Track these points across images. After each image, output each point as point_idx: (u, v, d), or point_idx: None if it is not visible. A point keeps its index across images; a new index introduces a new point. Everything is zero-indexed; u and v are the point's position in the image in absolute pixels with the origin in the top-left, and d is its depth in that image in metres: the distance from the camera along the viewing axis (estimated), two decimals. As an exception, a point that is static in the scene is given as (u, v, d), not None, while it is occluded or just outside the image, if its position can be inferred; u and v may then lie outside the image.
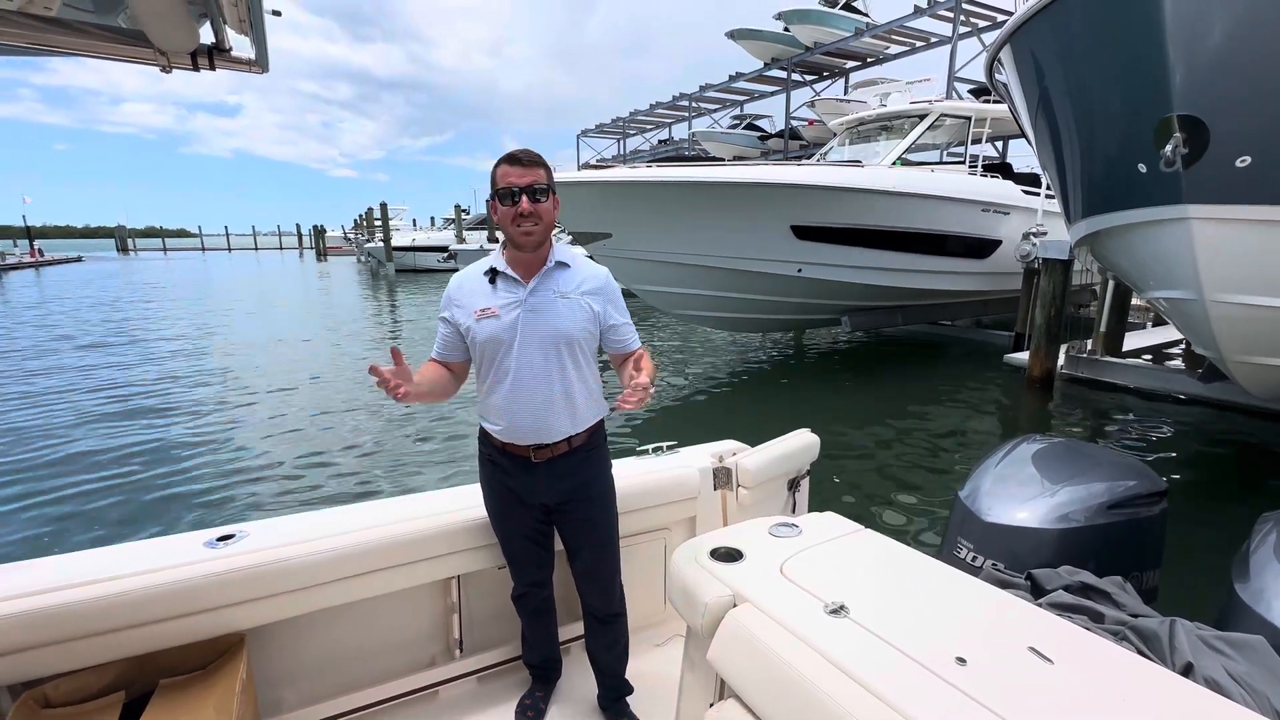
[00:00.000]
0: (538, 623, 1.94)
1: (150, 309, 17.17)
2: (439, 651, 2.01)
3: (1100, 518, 1.48)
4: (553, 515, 1.78)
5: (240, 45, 0.81)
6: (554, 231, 1.72)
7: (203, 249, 71.34)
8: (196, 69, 0.79)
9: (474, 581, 2.01)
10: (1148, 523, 1.54)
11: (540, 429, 1.65)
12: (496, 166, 1.61)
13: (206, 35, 0.79)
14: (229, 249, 71.15)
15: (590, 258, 1.96)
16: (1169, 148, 3.74)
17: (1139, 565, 1.51)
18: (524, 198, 1.57)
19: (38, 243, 43.78)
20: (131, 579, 1.50)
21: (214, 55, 0.80)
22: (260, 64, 0.84)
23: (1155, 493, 1.56)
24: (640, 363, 1.71)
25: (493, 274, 1.67)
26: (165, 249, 68.61)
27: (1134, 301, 8.57)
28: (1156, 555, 1.58)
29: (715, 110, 29.34)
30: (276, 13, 0.93)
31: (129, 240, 63.90)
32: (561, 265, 1.69)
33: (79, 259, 45.45)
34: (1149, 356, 8.39)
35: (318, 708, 1.81)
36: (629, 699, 1.93)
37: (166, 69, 0.79)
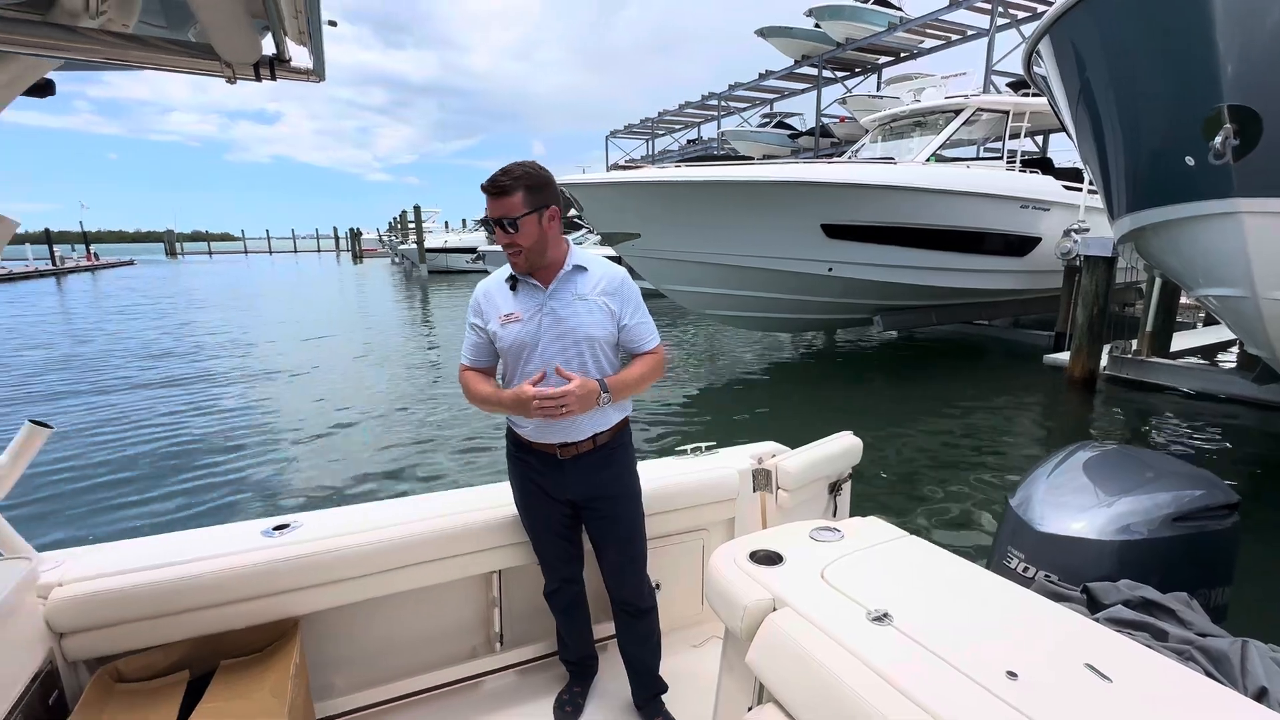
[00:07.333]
0: (571, 619, 1.96)
1: (202, 314, 17.81)
2: (480, 644, 2.05)
3: (1165, 530, 1.41)
4: (580, 512, 1.81)
5: (298, 56, 0.84)
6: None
7: (245, 252, 73.65)
8: (259, 79, 0.83)
9: (514, 576, 2.04)
10: (1217, 536, 1.46)
11: (567, 428, 1.68)
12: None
13: (268, 47, 0.83)
14: (270, 252, 73.41)
15: (618, 258, 1.96)
16: (1219, 139, 3.59)
17: (1207, 582, 1.43)
18: (498, 229, 1.60)
19: (93, 247, 45.79)
20: (198, 563, 1.57)
21: (275, 66, 0.83)
22: (318, 73, 0.87)
23: (1226, 505, 1.47)
24: (634, 364, 1.75)
25: (513, 280, 1.71)
26: (210, 252, 71.08)
27: (1182, 300, 8.23)
28: (1227, 572, 1.49)
29: (744, 109, 29.12)
30: (332, 23, 0.97)
31: (177, 244, 66.38)
32: (579, 269, 1.71)
33: (131, 262, 47.37)
34: (1198, 358, 8.05)
35: (365, 693, 1.87)
36: (664, 698, 1.93)
37: (232, 80, 0.83)
